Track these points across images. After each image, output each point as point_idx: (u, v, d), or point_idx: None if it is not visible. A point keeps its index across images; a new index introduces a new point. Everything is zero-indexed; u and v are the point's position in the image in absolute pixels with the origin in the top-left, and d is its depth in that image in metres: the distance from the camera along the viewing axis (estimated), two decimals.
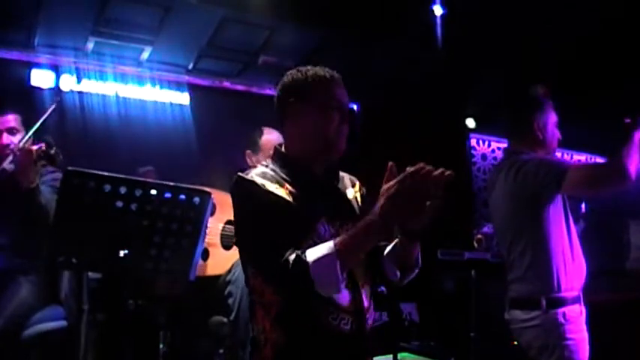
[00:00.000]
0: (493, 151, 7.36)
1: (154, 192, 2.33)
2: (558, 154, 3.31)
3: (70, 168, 2.29)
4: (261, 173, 1.92)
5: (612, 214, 5.29)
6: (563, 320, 2.66)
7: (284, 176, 1.94)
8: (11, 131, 3.18)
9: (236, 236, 2.00)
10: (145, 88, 5.27)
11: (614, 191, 2.74)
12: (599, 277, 3.12)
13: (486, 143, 7.36)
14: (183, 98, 5.41)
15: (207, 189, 2.46)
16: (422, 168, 1.64)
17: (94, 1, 4.32)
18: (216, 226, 3.36)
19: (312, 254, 1.71)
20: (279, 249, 1.74)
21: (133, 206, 2.30)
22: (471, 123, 6.88)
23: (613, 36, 4.79)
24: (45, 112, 3.06)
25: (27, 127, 3.13)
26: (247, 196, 1.88)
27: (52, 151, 2.87)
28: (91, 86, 5.03)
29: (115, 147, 4.71)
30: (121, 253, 2.31)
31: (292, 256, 1.71)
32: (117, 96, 5.13)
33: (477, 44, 4.95)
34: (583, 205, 3.99)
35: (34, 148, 2.87)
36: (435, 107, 6.02)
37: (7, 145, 3.08)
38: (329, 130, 1.96)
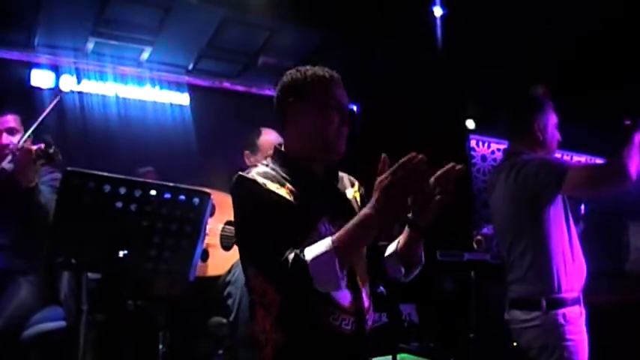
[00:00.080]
0: (493, 152, 7.36)
1: (153, 192, 2.33)
2: (558, 155, 3.30)
3: (69, 168, 2.28)
4: (262, 172, 1.92)
5: (612, 215, 5.29)
6: (563, 321, 2.67)
7: (284, 176, 1.94)
8: (11, 131, 3.18)
9: (236, 236, 1.99)
10: (145, 89, 5.27)
11: (615, 192, 2.75)
12: (599, 279, 3.12)
13: (486, 144, 7.36)
14: (183, 99, 5.42)
15: (207, 190, 2.46)
16: (414, 157, 1.64)
17: (94, 2, 4.32)
18: (215, 226, 3.36)
19: (311, 252, 1.71)
20: (280, 248, 1.74)
21: (133, 207, 2.30)
22: (470, 124, 6.88)
23: (613, 37, 4.79)
24: (46, 109, 3.06)
25: (26, 127, 3.13)
26: (248, 195, 1.88)
27: (51, 151, 2.87)
28: (90, 87, 5.03)
29: (114, 147, 4.71)
30: (121, 254, 2.30)
31: (291, 255, 1.71)
32: (117, 96, 5.13)
33: (476, 45, 4.95)
34: (583, 206, 3.98)
35: (34, 147, 2.87)
36: (434, 108, 6.02)
37: (7, 145, 3.07)
38: (328, 131, 1.96)
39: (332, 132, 1.96)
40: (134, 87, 5.23)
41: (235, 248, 3.29)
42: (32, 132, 2.98)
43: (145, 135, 5.04)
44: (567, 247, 2.78)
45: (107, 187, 2.26)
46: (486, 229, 5.20)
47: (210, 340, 3.48)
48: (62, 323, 3.05)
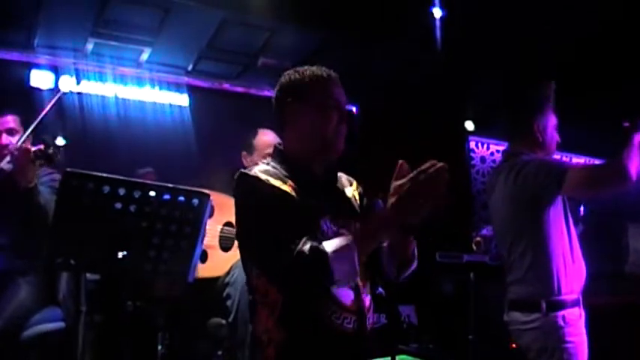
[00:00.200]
0: (492, 153, 7.36)
1: (152, 193, 2.33)
2: (557, 156, 3.31)
3: (68, 169, 2.28)
4: (264, 170, 1.93)
5: (611, 216, 5.29)
6: (562, 323, 2.66)
7: (285, 174, 1.95)
8: (10, 132, 3.18)
9: (238, 234, 1.99)
10: (145, 90, 5.27)
11: (615, 193, 2.75)
12: (598, 280, 3.12)
13: (485, 146, 7.36)
14: (183, 100, 5.42)
15: (206, 191, 2.46)
16: (434, 164, 1.65)
17: (94, 2, 4.32)
18: (214, 227, 3.36)
19: (330, 245, 1.72)
20: (287, 243, 1.74)
21: (132, 208, 2.30)
22: (469, 126, 6.87)
23: (612, 37, 4.79)
24: (46, 107, 3.05)
25: (26, 128, 3.13)
26: (251, 191, 1.88)
27: (51, 151, 2.87)
28: (90, 87, 5.03)
29: (114, 148, 4.71)
30: (120, 255, 2.30)
31: (307, 246, 1.71)
32: (116, 97, 5.13)
33: (476, 46, 4.95)
34: (582, 208, 3.98)
35: (33, 148, 2.86)
36: (434, 109, 6.02)
37: (6, 146, 3.08)
38: (327, 130, 1.97)
39: (331, 131, 1.97)
40: (134, 88, 5.23)
41: (234, 249, 3.32)
42: (31, 132, 2.98)
43: (144, 136, 5.04)
44: (567, 249, 2.78)
45: (106, 188, 2.25)
46: (485, 231, 5.20)
47: (210, 341, 3.48)
48: (61, 324, 3.05)
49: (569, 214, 2.86)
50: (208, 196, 2.44)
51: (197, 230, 2.42)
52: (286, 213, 1.82)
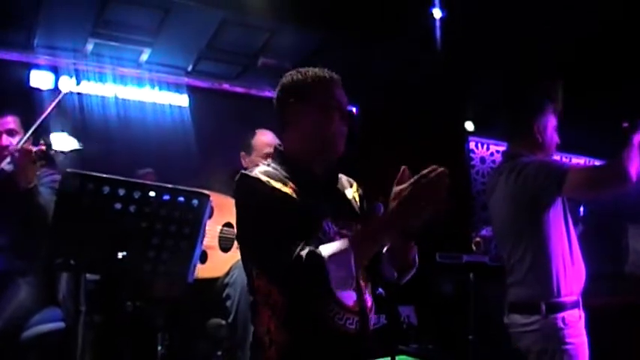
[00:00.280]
0: (492, 154, 7.36)
1: (152, 194, 2.33)
2: (557, 157, 3.31)
3: (68, 170, 2.28)
4: (265, 171, 1.93)
5: (611, 217, 5.28)
6: (562, 325, 2.66)
7: (286, 175, 1.95)
8: (10, 133, 3.18)
9: (239, 235, 1.98)
10: (144, 90, 5.27)
11: (615, 194, 2.74)
12: (598, 281, 3.12)
13: (485, 146, 7.36)
14: (183, 100, 5.41)
15: (206, 191, 2.46)
16: (435, 169, 1.66)
17: (94, 3, 4.32)
18: (214, 228, 3.36)
19: (327, 249, 1.72)
20: (287, 244, 1.75)
21: (132, 208, 2.29)
22: (469, 126, 6.87)
23: (612, 37, 4.79)
24: (48, 107, 3.05)
25: (26, 128, 3.14)
26: (253, 192, 1.88)
27: (52, 152, 2.87)
28: (90, 88, 5.02)
29: (114, 149, 4.71)
30: (120, 255, 2.30)
31: (305, 251, 1.72)
32: (116, 98, 5.13)
33: (475, 47, 4.95)
34: (582, 208, 3.99)
35: (33, 148, 2.86)
36: (434, 110, 6.02)
37: (7, 147, 3.08)
38: (329, 131, 1.98)
39: (332, 132, 1.98)
40: (133, 88, 5.22)
41: (234, 250, 3.32)
42: (33, 132, 2.98)
43: (144, 136, 5.04)
44: (567, 251, 2.77)
45: (106, 189, 2.25)
46: (485, 231, 5.20)
47: (209, 342, 3.48)
48: (61, 324, 3.05)
49: (569, 215, 2.86)
50: (208, 196, 2.44)
51: (197, 231, 2.42)
52: (287, 215, 1.83)
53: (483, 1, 4.38)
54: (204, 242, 3.24)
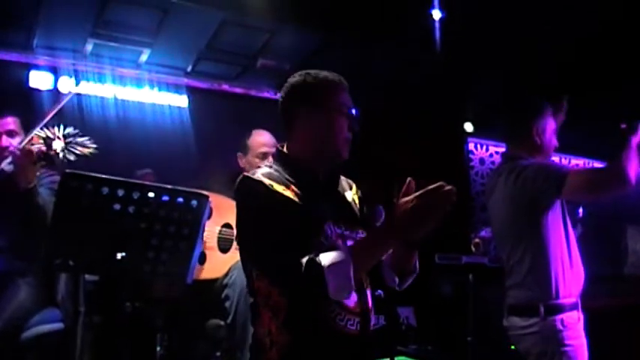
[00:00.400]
0: (491, 155, 7.36)
1: (151, 195, 2.33)
2: (556, 159, 3.31)
3: (67, 170, 2.28)
4: (267, 174, 1.93)
5: (610, 218, 5.28)
6: (561, 327, 2.66)
7: (288, 177, 1.95)
8: (10, 134, 3.18)
9: (239, 237, 1.98)
10: (144, 91, 5.26)
11: (614, 196, 2.74)
12: (597, 283, 3.12)
13: (484, 147, 7.35)
14: (182, 101, 5.41)
15: (205, 192, 2.46)
16: (442, 186, 1.67)
17: (93, 3, 4.32)
18: (213, 229, 3.36)
19: (327, 258, 1.72)
20: (288, 249, 1.75)
21: (131, 209, 2.30)
22: (469, 127, 6.87)
23: (612, 37, 4.79)
24: (55, 107, 3.04)
25: (26, 128, 3.14)
26: (255, 195, 1.87)
27: (52, 153, 2.87)
28: (89, 88, 5.02)
29: (113, 149, 4.70)
30: (119, 256, 2.30)
31: (305, 259, 1.72)
32: (115, 98, 5.12)
33: (475, 47, 4.95)
34: (581, 210, 3.98)
35: (34, 148, 2.86)
36: (433, 110, 6.02)
37: (6, 148, 3.08)
38: (336, 136, 1.99)
39: (339, 137, 1.99)
40: (133, 89, 5.22)
41: (233, 251, 3.32)
42: (36, 132, 2.97)
43: (143, 137, 5.03)
44: (566, 253, 2.77)
45: (105, 189, 2.25)
46: (484, 232, 5.20)
47: (208, 342, 3.47)
48: (60, 325, 3.05)
49: (568, 217, 2.86)
50: (207, 197, 2.44)
51: (196, 231, 2.42)
52: (288, 219, 1.83)
53: (483, 1, 4.37)
54: (203, 243, 3.24)
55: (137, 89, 5.23)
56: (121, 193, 2.28)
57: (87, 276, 2.70)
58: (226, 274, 3.28)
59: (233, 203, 2.96)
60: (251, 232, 1.90)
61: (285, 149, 2.06)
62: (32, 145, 2.85)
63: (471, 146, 7.27)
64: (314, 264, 1.71)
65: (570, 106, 3.13)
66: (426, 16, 4.56)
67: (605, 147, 2.80)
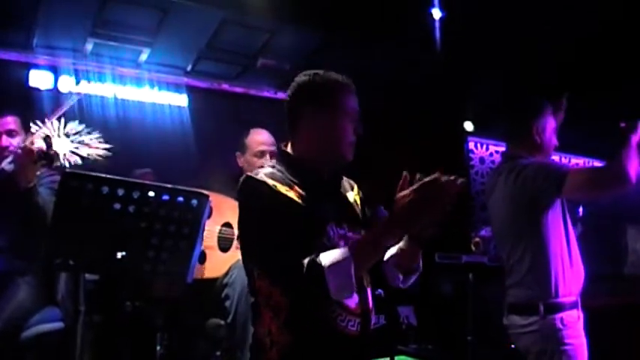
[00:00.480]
0: (491, 154, 7.36)
1: (151, 194, 2.33)
2: (556, 158, 3.31)
3: (67, 170, 2.28)
4: (270, 174, 1.93)
5: (610, 218, 5.29)
6: (561, 325, 2.66)
7: (291, 178, 1.95)
8: (10, 133, 3.18)
9: (241, 237, 1.99)
10: (144, 90, 5.26)
11: (615, 195, 2.74)
12: (597, 282, 3.13)
13: (484, 147, 7.35)
14: (182, 100, 5.40)
15: (205, 191, 2.46)
16: (438, 179, 1.66)
17: (93, 3, 4.32)
18: (213, 228, 3.36)
19: (327, 258, 1.72)
20: (291, 250, 1.76)
21: (131, 208, 2.30)
22: (469, 126, 6.87)
23: (612, 37, 4.79)
24: (62, 108, 3.04)
25: (26, 128, 3.14)
26: (258, 196, 1.87)
27: (52, 152, 2.87)
28: (89, 88, 5.01)
29: (112, 149, 4.69)
30: (119, 255, 2.30)
31: (306, 260, 1.72)
32: (115, 97, 5.12)
33: (475, 47, 4.95)
34: (581, 209, 3.99)
35: (35, 147, 2.86)
36: (433, 110, 6.02)
37: (6, 148, 3.08)
38: (345, 137, 1.99)
39: (346, 139, 1.99)
40: (133, 88, 5.21)
41: (233, 250, 3.32)
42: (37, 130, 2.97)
43: (143, 136, 5.03)
44: (566, 252, 2.78)
45: (105, 189, 2.25)
46: (484, 232, 5.20)
47: (208, 342, 3.47)
48: (60, 324, 3.05)
49: (568, 216, 2.86)
50: (207, 196, 2.44)
51: (196, 231, 2.42)
52: (291, 219, 1.83)
53: (483, 1, 4.37)
54: (204, 242, 3.24)
55: (137, 88, 5.23)
56: (121, 192, 2.28)
57: (87, 275, 2.70)
58: (226, 274, 3.28)
59: (233, 203, 2.96)
60: (254, 232, 1.90)
61: (288, 149, 2.06)
62: (32, 144, 2.85)
63: (471, 145, 7.27)
64: (314, 264, 1.71)
65: (570, 106, 3.13)
66: (426, 15, 4.55)
67: (605, 146, 2.79)
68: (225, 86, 5.68)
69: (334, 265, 1.71)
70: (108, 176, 2.26)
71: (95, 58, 5.00)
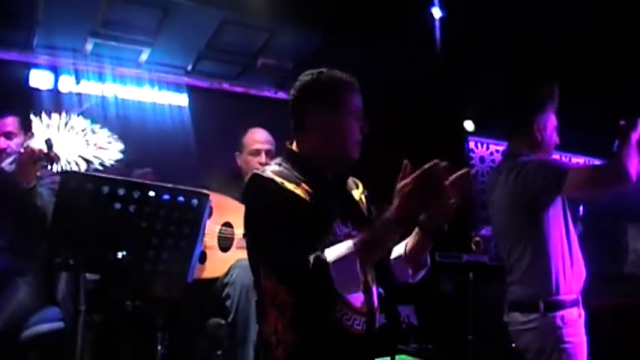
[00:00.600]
0: (491, 153, 7.35)
1: (152, 194, 2.33)
2: (556, 156, 3.31)
3: (68, 169, 2.29)
4: (278, 172, 1.93)
5: (610, 217, 5.29)
6: (560, 323, 2.66)
7: (298, 175, 1.95)
8: (8, 135, 3.19)
9: (247, 234, 1.98)
10: (144, 90, 5.26)
11: (615, 193, 2.75)
12: (597, 281, 3.13)
13: (485, 146, 7.35)
14: (182, 100, 5.41)
15: (205, 191, 2.46)
16: (436, 164, 1.65)
17: (94, 2, 4.32)
18: (213, 228, 3.36)
19: (332, 253, 1.72)
20: (297, 247, 1.75)
21: (131, 208, 2.30)
22: (469, 126, 6.87)
23: (612, 37, 4.79)
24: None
25: (26, 128, 3.14)
26: (265, 193, 1.87)
27: (52, 154, 2.87)
28: (89, 87, 5.02)
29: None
30: (119, 255, 2.30)
31: (312, 256, 1.72)
32: (116, 97, 5.12)
33: (475, 46, 4.95)
34: (581, 208, 3.99)
35: (36, 149, 2.86)
36: (433, 109, 6.02)
37: (4, 150, 3.08)
38: (350, 136, 1.99)
39: (351, 137, 1.99)
40: (133, 88, 5.22)
41: (233, 250, 3.32)
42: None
43: (143, 136, 5.03)
44: (566, 250, 2.78)
45: (106, 189, 2.26)
46: (485, 231, 5.20)
47: (209, 341, 3.47)
48: (60, 324, 3.05)
49: (569, 214, 2.86)
50: (207, 196, 2.44)
51: (196, 230, 2.42)
52: (298, 217, 1.83)
53: (483, 1, 4.37)
54: (204, 242, 3.24)
55: (137, 88, 5.23)
56: (121, 192, 2.28)
57: (87, 275, 2.71)
58: (227, 273, 3.28)
59: (233, 202, 2.98)
60: (261, 229, 1.89)
61: (294, 147, 2.06)
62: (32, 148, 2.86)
63: (472, 145, 7.27)
64: (320, 261, 1.71)
65: (571, 106, 3.13)
66: (426, 15, 4.55)
67: (606, 145, 2.79)
68: (225, 86, 5.68)
69: (339, 261, 1.70)
70: (108, 176, 2.27)
71: (95, 58, 5.01)
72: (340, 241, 1.81)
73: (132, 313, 3.57)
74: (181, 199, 2.37)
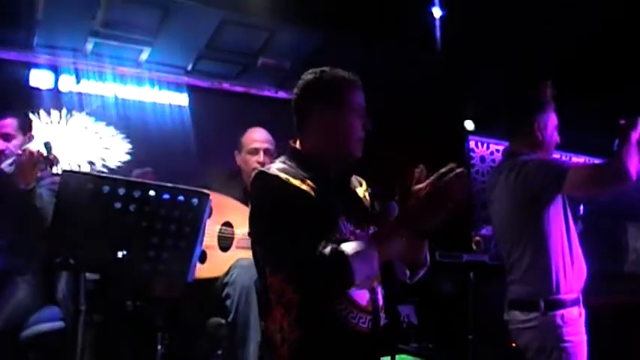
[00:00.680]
0: (492, 153, 7.35)
1: (152, 193, 2.33)
2: (557, 156, 3.31)
3: (68, 169, 2.29)
4: (282, 169, 1.94)
5: (610, 216, 5.29)
6: (561, 322, 2.66)
7: (303, 173, 1.95)
8: (6, 137, 3.18)
9: (253, 232, 1.97)
10: (144, 89, 5.26)
11: (615, 192, 2.75)
12: (598, 280, 3.13)
13: (485, 145, 7.34)
14: (182, 99, 5.40)
15: (206, 190, 2.46)
16: (453, 168, 1.67)
17: (94, 2, 4.32)
18: (213, 228, 3.35)
19: (350, 247, 1.73)
20: (306, 242, 1.75)
21: (132, 207, 2.30)
22: (469, 125, 6.87)
23: (612, 37, 4.79)
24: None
25: (25, 129, 3.14)
26: (271, 189, 1.88)
27: (51, 156, 2.87)
28: (90, 87, 5.01)
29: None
30: (119, 255, 2.30)
31: (327, 249, 1.72)
32: (116, 97, 5.12)
33: (475, 46, 4.95)
34: (582, 207, 3.99)
35: (35, 150, 2.86)
36: (434, 109, 6.02)
37: (3, 151, 3.08)
38: (353, 134, 2.00)
39: (354, 135, 1.99)
40: (133, 87, 5.21)
41: (233, 249, 3.32)
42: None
43: (143, 135, 5.03)
44: (567, 248, 2.78)
45: (106, 188, 2.26)
46: (485, 230, 5.20)
47: (209, 341, 3.47)
48: (60, 324, 3.06)
49: (570, 213, 2.86)
50: (208, 195, 2.44)
51: (196, 230, 2.42)
52: (305, 212, 1.83)
53: (483, 1, 4.37)
54: (204, 242, 3.24)
55: (137, 88, 5.23)
56: (121, 191, 2.28)
57: (88, 275, 2.71)
58: (227, 273, 3.28)
59: (233, 202, 2.98)
60: (267, 225, 1.89)
61: (297, 146, 2.06)
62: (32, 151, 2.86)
63: (472, 144, 7.27)
64: (338, 253, 1.71)
65: (571, 106, 3.13)
66: (426, 15, 4.56)
67: (606, 145, 2.79)
68: (225, 85, 5.68)
69: (359, 254, 1.71)
70: (108, 175, 2.27)
71: (96, 58, 5.00)
72: (345, 238, 1.81)
73: (132, 313, 3.57)
74: (181, 198, 2.37)
